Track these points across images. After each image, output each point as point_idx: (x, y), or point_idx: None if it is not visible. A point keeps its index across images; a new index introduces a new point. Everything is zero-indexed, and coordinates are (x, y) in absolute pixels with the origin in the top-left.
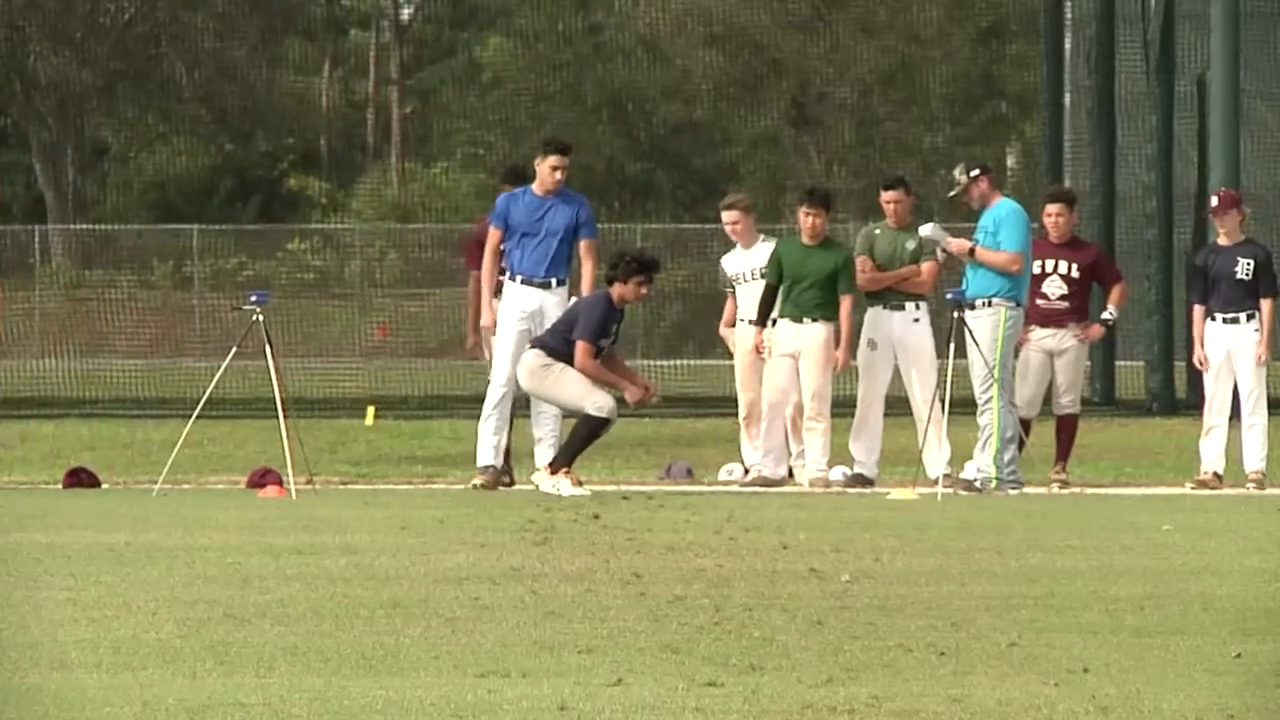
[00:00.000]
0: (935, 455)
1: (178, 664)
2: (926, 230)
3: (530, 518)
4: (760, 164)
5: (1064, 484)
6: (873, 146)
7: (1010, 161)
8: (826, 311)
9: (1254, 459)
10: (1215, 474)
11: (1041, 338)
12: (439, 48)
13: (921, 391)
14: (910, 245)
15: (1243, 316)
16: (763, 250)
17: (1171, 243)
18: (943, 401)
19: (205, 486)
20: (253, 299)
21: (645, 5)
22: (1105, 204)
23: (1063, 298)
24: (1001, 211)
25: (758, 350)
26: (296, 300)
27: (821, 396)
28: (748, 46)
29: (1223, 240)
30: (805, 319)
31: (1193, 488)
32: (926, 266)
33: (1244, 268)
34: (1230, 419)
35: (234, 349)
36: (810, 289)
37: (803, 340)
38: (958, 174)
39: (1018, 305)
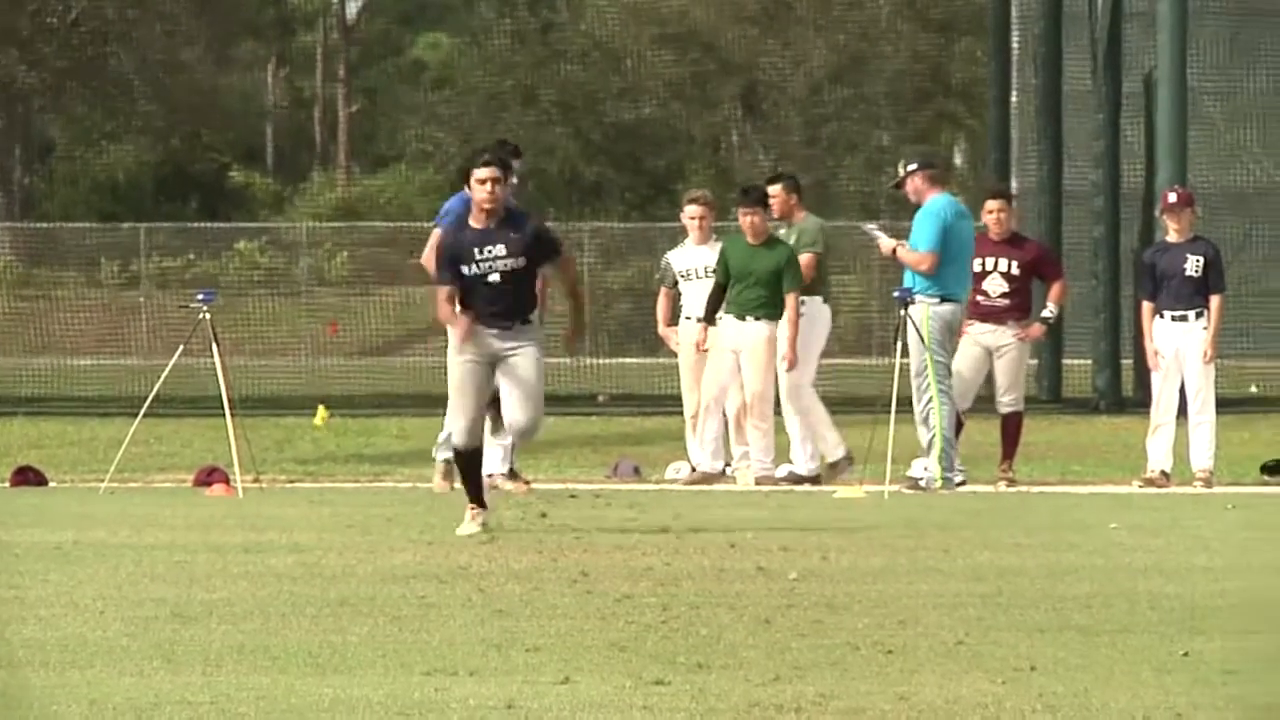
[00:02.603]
0: (798, 451)
1: (125, 662)
2: (867, 227)
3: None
4: (709, 162)
5: (1010, 482)
6: (820, 144)
7: (957, 159)
8: (770, 310)
9: (1201, 457)
10: (1163, 472)
11: (981, 333)
12: (386, 45)
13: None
14: (794, 239)
15: (1191, 314)
16: (714, 249)
17: (1118, 241)
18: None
19: (152, 485)
20: (199, 297)
21: (596, 4)
22: (1052, 202)
23: (1003, 295)
24: (921, 210)
25: (698, 347)
26: (244, 298)
27: (763, 397)
28: (698, 45)
29: (1172, 237)
30: (748, 317)
31: (1140, 486)
32: (803, 259)
33: (1194, 264)
34: (1178, 417)
35: (181, 347)
36: (754, 287)
37: (745, 339)
38: (900, 166)
39: (942, 301)
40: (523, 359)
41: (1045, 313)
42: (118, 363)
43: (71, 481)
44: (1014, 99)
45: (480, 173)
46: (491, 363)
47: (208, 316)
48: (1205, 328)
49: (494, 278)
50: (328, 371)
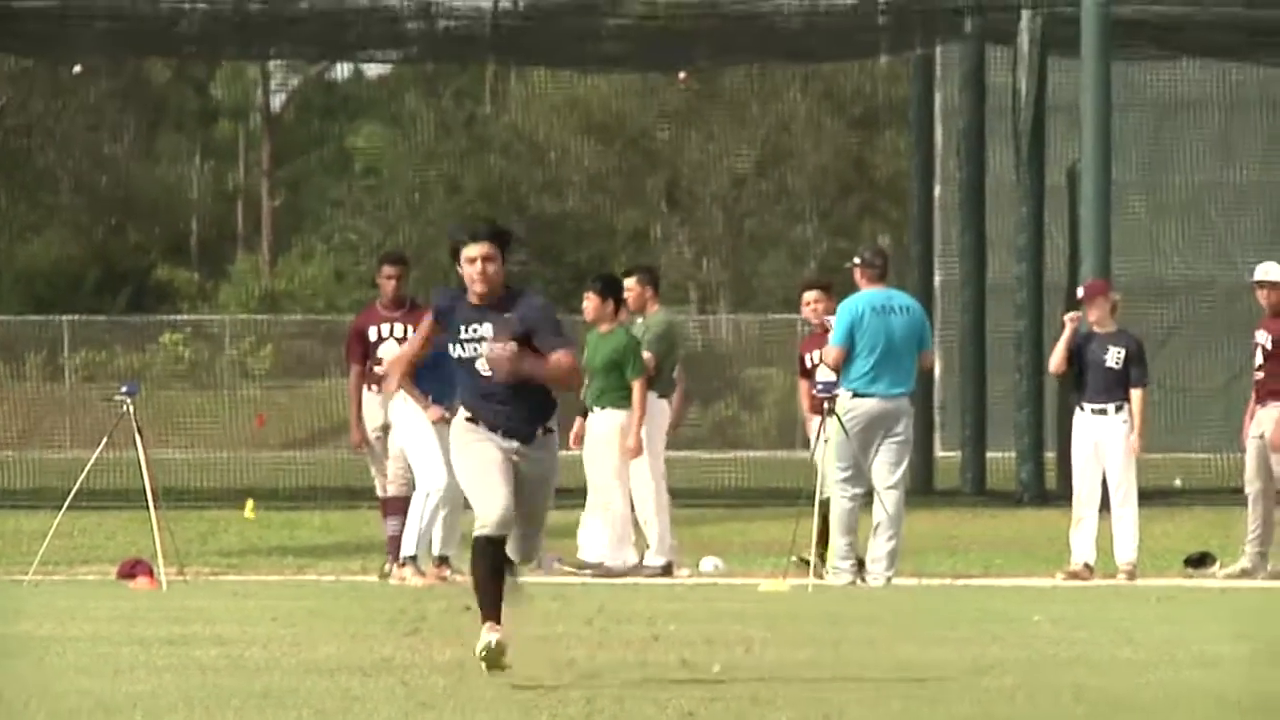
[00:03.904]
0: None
1: None
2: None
3: (401, 608)
4: (632, 256)
5: (804, 563)
6: (744, 237)
7: None
8: (613, 398)
9: (1125, 550)
10: (1086, 565)
11: (818, 427)
12: (309, 137)
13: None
14: (643, 333)
15: (1111, 407)
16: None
17: (1042, 334)
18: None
19: (76, 577)
20: (123, 390)
21: (522, 96)
22: (975, 295)
23: (825, 387)
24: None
25: (575, 440)
26: (168, 391)
27: (597, 486)
28: (622, 138)
29: (1095, 329)
30: (595, 407)
31: (1064, 579)
32: (645, 356)
33: (1114, 357)
34: (1101, 510)
35: (104, 440)
36: (597, 375)
37: (592, 429)
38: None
39: (850, 395)
40: (535, 474)
41: None
42: (42, 455)
43: None
44: (937, 192)
45: (469, 250)
46: (508, 459)
47: (131, 409)
48: (1125, 420)
49: (482, 365)
50: (251, 464)
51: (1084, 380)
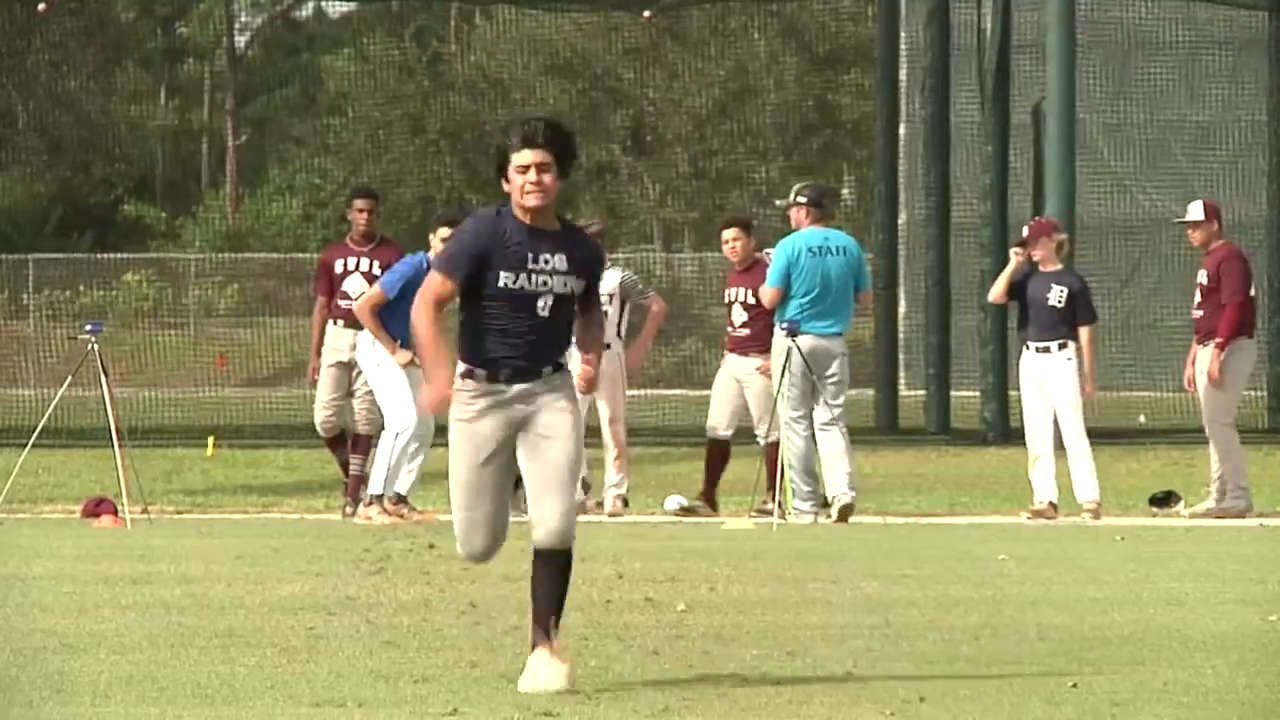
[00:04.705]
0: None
1: (14, 693)
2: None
3: (365, 547)
4: (596, 195)
5: (764, 514)
6: (708, 177)
7: (845, 191)
8: None
9: (1085, 490)
10: (1051, 504)
11: (732, 364)
12: (275, 76)
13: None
14: None
15: (1054, 345)
16: (609, 278)
17: None
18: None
19: (41, 516)
20: (88, 328)
21: (486, 35)
22: (940, 233)
23: (744, 325)
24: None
25: None
26: (132, 330)
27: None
28: (586, 76)
29: (1040, 268)
30: None
31: (1029, 518)
32: None
33: (1057, 295)
34: (1058, 448)
35: (69, 378)
36: None
37: None
38: (791, 196)
39: (786, 334)
40: (553, 423)
41: None
42: (6, 393)
43: None
44: (902, 131)
45: (520, 156)
46: (511, 432)
47: (96, 347)
48: (1070, 359)
49: (544, 304)
50: (216, 402)
51: (1027, 318)
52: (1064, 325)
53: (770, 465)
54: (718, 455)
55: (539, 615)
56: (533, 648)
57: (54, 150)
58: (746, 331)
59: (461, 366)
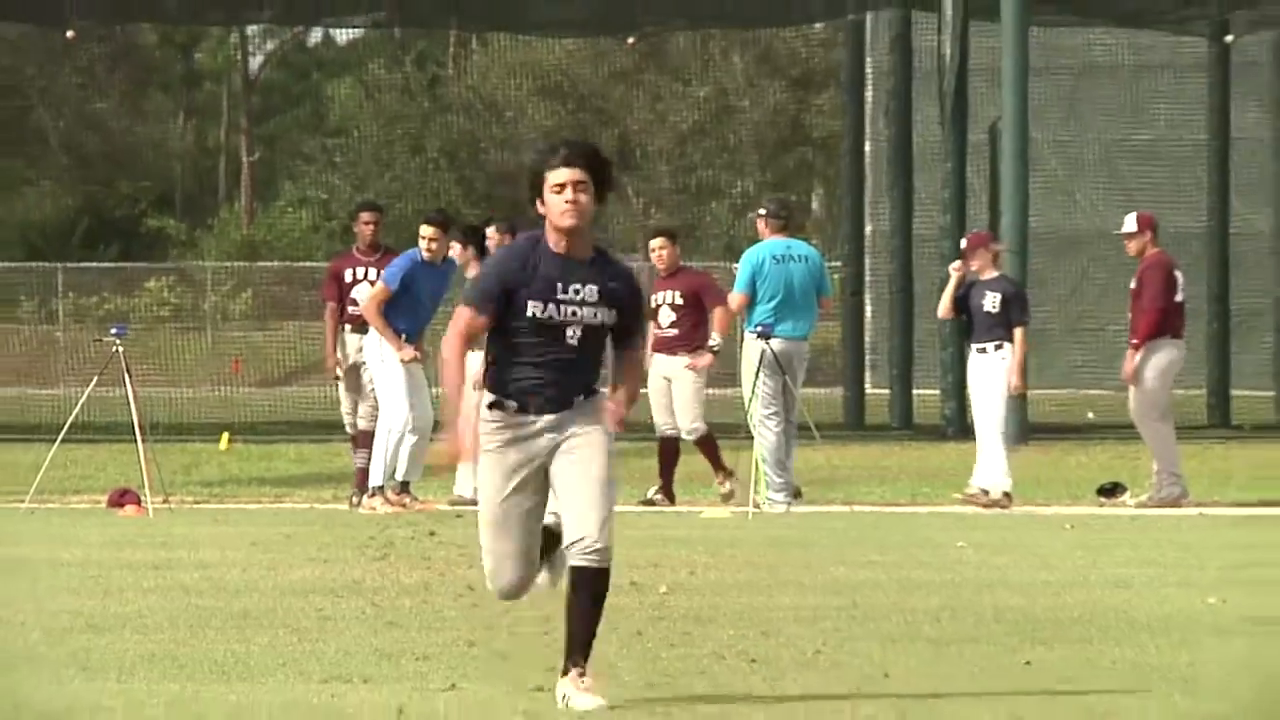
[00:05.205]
0: None
1: (44, 670)
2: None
3: (370, 535)
4: None
5: (729, 496)
6: (689, 190)
7: (815, 205)
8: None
9: (982, 476)
10: (1005, 493)
11: (660, 364)
12: (286, 98)
13: None
14: None
15: (990, 347)
16: None
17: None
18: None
19: (69, 505)
20: (113, 331)
21: (482, 60)
22: (903, 244)
23: (672, 325)
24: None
25: None
26: (154, 333)
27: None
28: (574, 97)
29: (979, 277)
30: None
31: (985, 508)
32: None
33: (991, 301)
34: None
35: (95, 378)
36: None
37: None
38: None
39: (758, 337)
40: (584, 443)
41: (711, 342)
42: (37, 392)
43: None
44: (868, 149)
45: (558, 175)
46: (539, 463)
47: (120, 350)
48: (1004, 358)
49: (573, 333)
50: (231, 400)
51: (971, 324)
52: (1000, 328)
53: (708, 452)
54: (669, 451)
55: (572, 641)
56: (564, 673)
57: (82, 167)
58: (674, 332)
59: (489, 397)
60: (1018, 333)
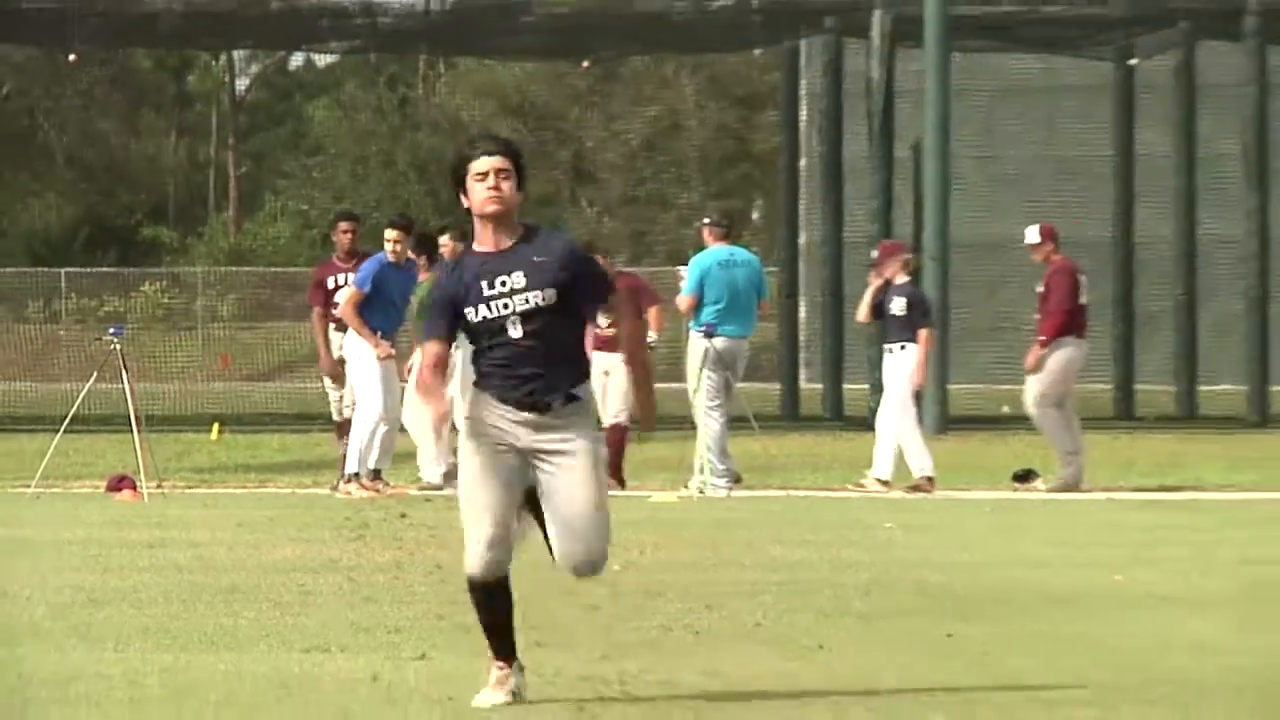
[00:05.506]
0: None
1: (48, 641)
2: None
3: (346, 516)
4: (543, 217)
5: (621, 484)
6: (639, 200)
7: (755, 215)
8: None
9: (881, 468)
10: (927, 478)
11: (599, 360)
12: (270, 117)
13: None
14: None
15: (896, 347)
16: None
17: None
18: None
19: (71, 490)
20: (111, 331)
21: (448, 81)
22: (835, 251)
23: (610, 325)
24: (692, 261)
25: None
26: (149, 332)
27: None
28: (534, 116)
29: (892, 283)
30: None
31: (907, 491)
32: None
33: (898, 305)
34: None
35: (95, 374)
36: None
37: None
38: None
39: (703, 335)
40: (570, 462)
41: (648, 339)
42: (41, 386)
43: (2, 487)
44: (803, 164)
45: (480, 164)
46: (518, 451)
47: (118, 348)
48: (910, 358)
49: (514, 325)
50: (219, 394)
51: (885, 326)
52: (906, 330)
53: (614, 443)
54: (616, 439)
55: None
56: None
57: (83, 180)
58: (612, 331)
59: (473, 399)
60: (921, 335)
